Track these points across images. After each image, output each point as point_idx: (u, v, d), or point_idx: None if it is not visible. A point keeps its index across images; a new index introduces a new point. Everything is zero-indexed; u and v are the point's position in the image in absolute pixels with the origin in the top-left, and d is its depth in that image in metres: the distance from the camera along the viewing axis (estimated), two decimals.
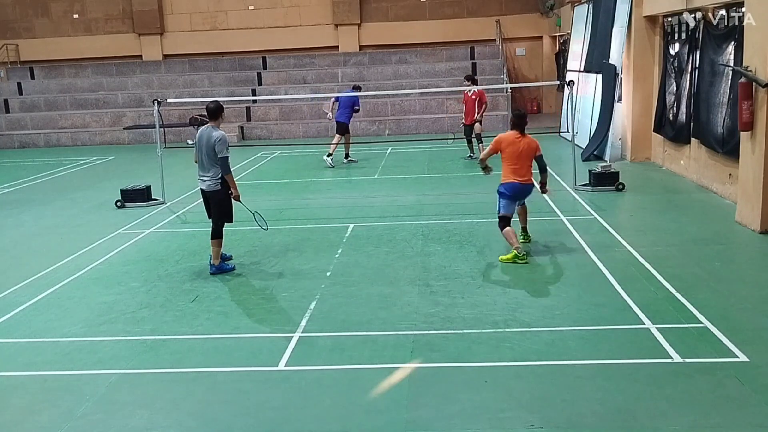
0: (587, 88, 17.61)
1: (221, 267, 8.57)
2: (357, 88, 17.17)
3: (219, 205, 8.52)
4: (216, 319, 7.21)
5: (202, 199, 8.77)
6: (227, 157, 8.30)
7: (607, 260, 8.39)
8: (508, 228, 8.57)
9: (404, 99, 23.56)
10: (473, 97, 15.88)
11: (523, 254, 8.38)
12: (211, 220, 8.61)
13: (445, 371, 5.80)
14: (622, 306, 6.98)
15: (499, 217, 8.67)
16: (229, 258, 8.91)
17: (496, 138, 8.88)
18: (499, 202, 8.74)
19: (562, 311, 6.92)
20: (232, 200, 8.54)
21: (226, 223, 8.58)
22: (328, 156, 16.35)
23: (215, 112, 8.43)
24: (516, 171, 8.63)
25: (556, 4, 24.21)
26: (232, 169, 8.48)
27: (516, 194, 8.71)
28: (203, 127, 8.55)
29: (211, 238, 8.54)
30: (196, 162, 8.57)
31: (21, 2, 27.81)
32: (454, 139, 17.01)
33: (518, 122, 8.83)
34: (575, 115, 13.47)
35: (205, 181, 8.48)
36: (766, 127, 9.06)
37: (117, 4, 27.63)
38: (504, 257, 8.48)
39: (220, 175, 8.38)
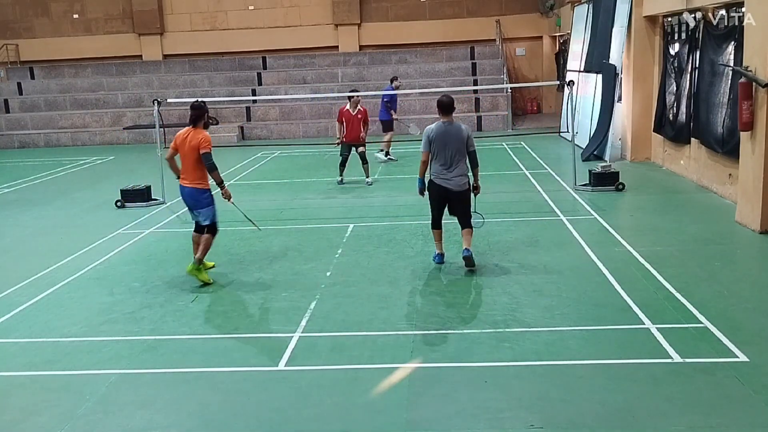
0: (587, 88, 17.61)
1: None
2: (391, 80, 17.56)
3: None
4: (216, 319, 7.21)
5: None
6: None
7: (607, 260, 8.38)
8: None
9: (404, 99, 23.53)
10: (358, 116, 13.83)
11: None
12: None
13: (445, 371, 5.80)
14: (622, 306, 6.98)
15: None
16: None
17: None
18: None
19: (562, 311, 6.92)
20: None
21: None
22: (380, 151, 17.02)
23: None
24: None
25: (556, 4, 24.21)
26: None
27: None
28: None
29: None
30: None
31: (21, 2, 27.82)
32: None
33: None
34: (575, 115, 13.47)
35: None
36: (766, 127, 9.06)
37: (117, 4, 27.65)
38: None
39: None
